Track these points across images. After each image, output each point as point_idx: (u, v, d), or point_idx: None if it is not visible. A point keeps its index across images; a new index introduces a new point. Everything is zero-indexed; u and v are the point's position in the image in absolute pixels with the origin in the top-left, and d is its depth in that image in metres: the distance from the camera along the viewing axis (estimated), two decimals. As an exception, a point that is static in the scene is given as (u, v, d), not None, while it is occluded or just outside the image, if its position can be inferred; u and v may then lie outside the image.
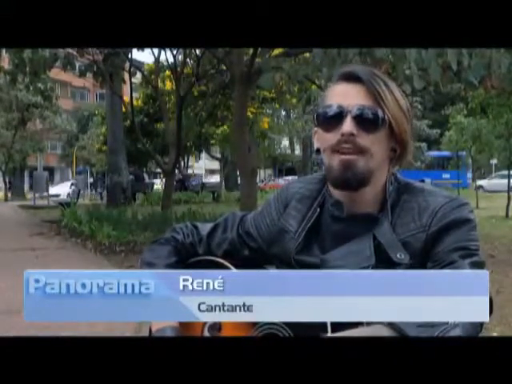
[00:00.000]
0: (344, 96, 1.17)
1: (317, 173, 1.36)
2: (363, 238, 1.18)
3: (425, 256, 1.15)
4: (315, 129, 1.24)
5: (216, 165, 46.66)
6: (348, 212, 1.21)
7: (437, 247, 1.14)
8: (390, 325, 1.01)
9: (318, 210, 1.26)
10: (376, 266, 1.14)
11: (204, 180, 30.64)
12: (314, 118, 1.22)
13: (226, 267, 1.31)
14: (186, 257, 1.37)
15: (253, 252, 1.35)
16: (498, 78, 5.89)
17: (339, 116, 1.16)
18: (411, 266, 1.14)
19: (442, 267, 1.12)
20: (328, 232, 1.24)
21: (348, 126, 1.14)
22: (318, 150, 1.23)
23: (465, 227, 1.16)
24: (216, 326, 1.29)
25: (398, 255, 1.14)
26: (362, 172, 1.16)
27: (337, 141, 1.15)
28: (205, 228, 1.40)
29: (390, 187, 1.21)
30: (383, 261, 1.15)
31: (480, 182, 27.18)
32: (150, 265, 1.34)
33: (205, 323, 1.31)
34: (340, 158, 1.15)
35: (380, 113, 1.15)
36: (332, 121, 1.17)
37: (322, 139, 1.20)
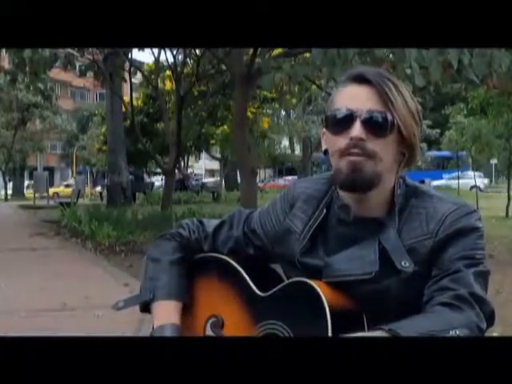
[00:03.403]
0: (353, 99, 1.15)
1: (322, 173, 1.35)
2: (369, 242, 1.17)
3: (430, 263, 1.14)
4: (323, 130, 1.22)
5: (216, 165, 46.66)
6: (355, 215, 1.20)
7: (443, 255, 1.14)
8: (391, 331, 1.01)
9: (325, 211, 1.25)
10: (380, 273, 1.14)
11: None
12: (323, 119, 1.20)
13: (230, 265, 1.31)
14: (192, 253, 1.37)
15: (258, 250, 1.34)
16: (499, 77, 5.89)
17: (348, 120, 1.14)
18: (415, 274, 1.13)
19: (446, 276, 1.12)
20: (334, 234, 1.23)
21: (357, 130, 1.12)
22: (326, 151, 1.22)
23: (472, 236, 1.15)
24: (218, 324, 1.29)
25: (402, 263, 1.13)
26: (370, 175, 1.14)
27: (346, 145, 1.14)
28: (211, 224, 1.39)
29: (398, 191, 1.20)
30: (387, 267, 1.14)
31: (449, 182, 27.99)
32: (155, 260, 1.36)
33: (207, 320, 1.31)
34: (348, 160, 1.14)
35: (389, 117, 1.14)
36: (341, 124, 1.15)
37: (331, 142, 1.19)
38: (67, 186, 36.44)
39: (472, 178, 28.85)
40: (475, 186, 21.81)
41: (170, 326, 1.26)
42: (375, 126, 1.13)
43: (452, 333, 1.01)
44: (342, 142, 1.15)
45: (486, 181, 28.88)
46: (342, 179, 1.16)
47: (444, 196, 1.21)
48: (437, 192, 1.23)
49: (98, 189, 34.45)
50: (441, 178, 31.78)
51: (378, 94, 1.14)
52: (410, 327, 1.02)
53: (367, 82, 1.15)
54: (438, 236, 1.14)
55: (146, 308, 1.32)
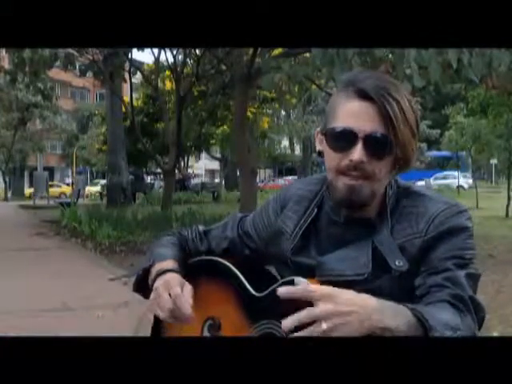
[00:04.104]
0: (355, 117, 1.13)
1: (316, 174, 1.36)
2: (361, 243, 1.17)
3: (420, 262, 1.14)
4: (318, 130, 1.22)
5: (216, 165, 46.74)
6: (346, 216, 1.21)
7: (432, 254, 1.13)
8: (414, 311, 0.99)
9: (316, 210, 1.26)
10: (373, 274, 1.14)
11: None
12: (324, 132, 1.19)
13: (226, 267, 1.31)
14: (189, 253, 1.40)
15: (252, 252, 1.36)
16: (498, 77, 5.89)
17: (349, 140, 1.13)
18: (407, 273, 1.13)
19: (436, 274, 1.11)
20: (325, 234, 1.24)
21: (358, 153, 1.11)
22: (320, 153, 1.21)
23: (461, 235, 1.14)
24: (216, 325, 1.30)
25: (396, 262, 1.13)
26: (368, 196, 1.14)
27: (345, 165, 1.13)
28: (207, 228, 1.45)
29: (389, 191, 1.20)
30: (381, 267, 1.14)
31: (420, 183, 28.38)
32: (154, 247, 1.38)
33: (204, 323, 1.32)
34: (345, 182, 1.14)
35: (390, 138, 1.12)
36: (341, 143, 1.14)
37: (329, 156, 1.18)
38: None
39: (456, 178, 29.87)
40: (460, 186, 23.16)
41: (172, 269, 1.27)
42: (376, 149, 1.12)
43: (459, 333, 1.01)
44: (341, 160, 1.14)
45: (470, 181, 29.92)
46: (339, 198, 1.16)
47: (435, 195, 1.21)
48: (428, 191, 1.23)
49: (90, 189, 34.40)
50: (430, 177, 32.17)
51: (379, 113, 1.12)
52: (432, 313, 1.00)
53: (370, 99, 1.12)
54: (427, 235, 1.14)
55: (139, 287, 1.33)
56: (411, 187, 1.23)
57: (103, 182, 36.68)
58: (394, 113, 1.12)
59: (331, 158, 1.17)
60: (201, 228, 1.44)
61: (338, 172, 1.15)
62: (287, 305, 1.17)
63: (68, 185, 42.33)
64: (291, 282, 1.18)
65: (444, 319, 1.01)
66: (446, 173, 32.62)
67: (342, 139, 1.14)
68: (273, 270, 1.36)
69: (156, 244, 1.40)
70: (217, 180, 40.36)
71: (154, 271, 1.29)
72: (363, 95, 1.13)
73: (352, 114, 1.14)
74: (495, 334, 3.33)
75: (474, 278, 1.13)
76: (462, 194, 22.88)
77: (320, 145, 1.22)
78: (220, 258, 1.35)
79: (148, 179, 31.24)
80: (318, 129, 1.22)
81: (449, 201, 1.19)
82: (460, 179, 29.42)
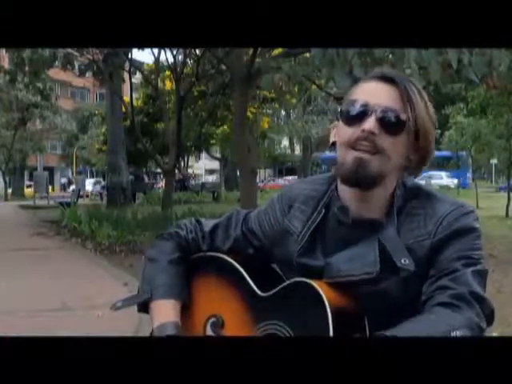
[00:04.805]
0: (373, 94, 1.16)
1: (318, 174, 1.35)
2: (369, 242, 1.17)
3: (428, 263, 1.14)
4: (336, 122, 1.23)
5: (216, 165, 46.75)
6: (354, 216, 1.20)
7: (440, 255, 1.14)
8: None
9: (324, 211, 1.25)
10: (380, 273, 1.14)
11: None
12: (338, 111, 1.21)
13: (230, 264, 1.30)
14: (190, 252, 1.37)
15: (257, 250, 1.34)
16: (499, 76, 5.88)
17: (364, 113, 1.14)
18: (414, 274, 1.13)
19: (444, 275, 1.11)
20: (332, 235, 1.23)
21: (370, 124, 1.13)
22: (334, 144, 1.22)
23: (469, 236, 1.15)
24: (218, 324, 1.29)
25: (402, 260, 1.13)
26: (375, 173, 1.14)
27: (356, 137, 1.14)
28: (208, 224, 1.39)
29: (398, 192, 1.20)
30: (387, 266, 1.14)
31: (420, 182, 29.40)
32: (153, 260, 1.35)
33: (207, 320, 1.31)
34: (355, 155, 1.14)
35: (405, 118, 1.14)
36: (356, 116, 1.15)
37: (342, 133, 1.18)
38: (28, 186, 36.38)
39: (442, 178, 30.21)
40: (445, 186, 25.80)
41: (171, 323, 1.25)
42: (389, 124, 1.14)
43: (453, 334, 1.01)
44: (353, 133, 1.15)
45: (456, 181, 30.57)
46: (346, 173, 1.16)
47: (443, 196, 1.21)
48: (436, 192, 1.23)
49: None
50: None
51: (399, 93, 1.15)
52: (412, 333, 1.01)
53: (391, 81, 1.15)
54: (435, 236, 1.15)
55: (143, 308, 1.32)
56: (419, 187, 1.23)
57: (92, 180, 36.79)
58: (414, 96, 1.15)
59: (344, 133, 1.17)
60: (204, 228, 1.38)
61: (348, 146, 1.15)
62: (292, 306, 1.16)
63: (65, 186, 42.39)
64: (297, 284, 1.18)
65: (424, 332, 1.01)
66: (430, 173, 32.84)
67: (357, 112, 1.16)
68: (278, 268, 1.35)
69: (154, 255, 1.36)
70: (212, 177, 40.37)
71: (154, 314, 1.27)
72: (384, 77, 1.17)
73: (370, 91, 1.17)
74: (495, 334, 3.33)
75: (481, 275, 1.13)
76: (461, 193, 22.90)
77: (334, 137, 1.23)
78: (224, 255, 1.33)
79: (148, 180, 31.27)
80: (336, 122, 1.23)
81: (456, 201, 1.20)
82: (444, 179, 29.91)
